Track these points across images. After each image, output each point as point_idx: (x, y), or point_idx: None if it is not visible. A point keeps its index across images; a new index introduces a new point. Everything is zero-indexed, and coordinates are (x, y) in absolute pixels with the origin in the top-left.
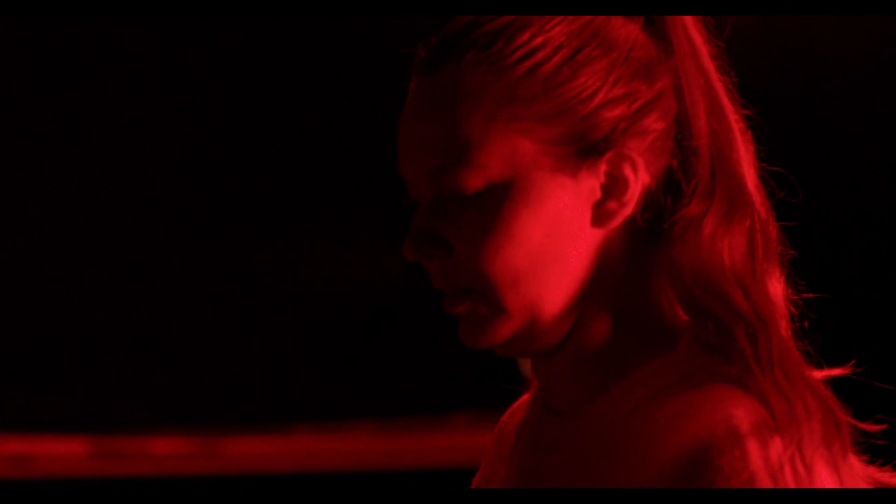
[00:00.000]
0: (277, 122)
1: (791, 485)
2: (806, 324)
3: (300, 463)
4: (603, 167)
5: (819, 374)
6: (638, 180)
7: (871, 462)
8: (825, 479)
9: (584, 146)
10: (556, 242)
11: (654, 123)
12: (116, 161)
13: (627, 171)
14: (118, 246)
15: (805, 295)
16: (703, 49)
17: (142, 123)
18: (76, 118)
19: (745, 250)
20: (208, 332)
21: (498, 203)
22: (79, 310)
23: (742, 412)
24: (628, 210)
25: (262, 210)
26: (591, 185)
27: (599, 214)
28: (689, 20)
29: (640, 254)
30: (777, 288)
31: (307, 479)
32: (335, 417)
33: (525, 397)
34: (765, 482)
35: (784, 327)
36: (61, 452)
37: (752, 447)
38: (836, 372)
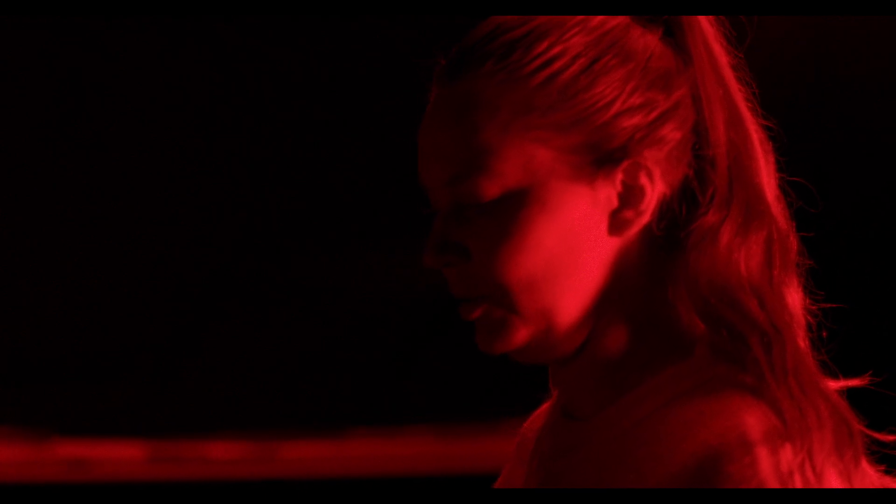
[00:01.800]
0: (325, 127)
1: None
2: (824, 334)
3: (356, 467)
4: (619, 176)
5: (835, 385)
6: (654, 189)
7: (887, 472)
8: (836, 487)
9: (601, 155)
10: (572, 250)
11: (672, 133)
12: (166, 169)
13: (643, 180)
14: (175, 252)
15: (823, 305)
16: (723, 59)
17: (188, 134)
18: (138, 127)
19: (762, 260)
20: (265, 337)
21: (514, 211)
22: (137, 313)
23: (753, 420)
24: (644, 219)
25: (311, 217)
26: (607, 193)
27: (615, 223)
28: (708, 31)
29: (656, 262)
30: (794, 298)
31: (362, 484)
32: (391, 422)
33: (547, 404)
34: None
35: (801, 337)
36: (118, 456)
37: (763, 455)
38: (853, 382)
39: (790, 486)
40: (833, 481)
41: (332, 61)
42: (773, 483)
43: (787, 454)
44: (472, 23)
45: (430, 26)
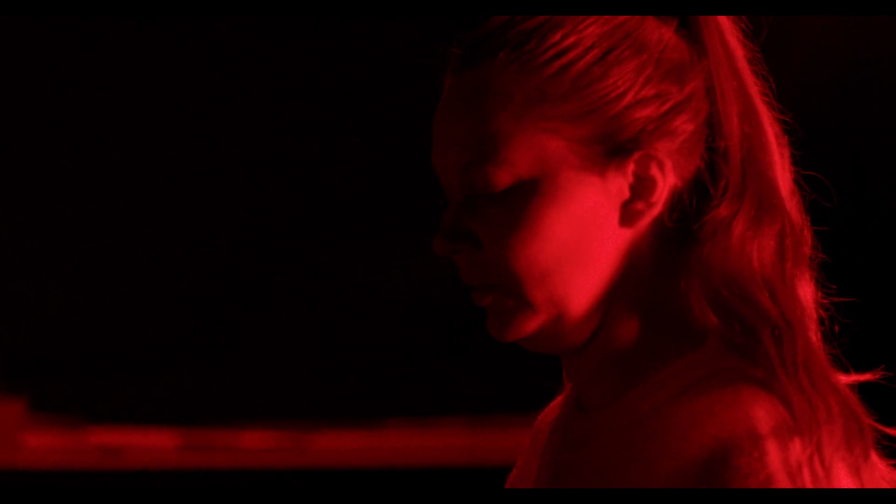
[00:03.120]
0: (325, 127)
1: (809, 486)
2: (836, 328)
3: (388, 458)
4: (631, 167)
5: (847, 379)
6: (666, 181)
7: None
8: (845, 482)
9: (613, 146)
10: (582, 240)
11: (684, 125)
12: (186, 168)
13: (655, 171)
14: (210, 245)
15: (835, 299)
16: (739, 52)
17: (224, 132)
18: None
19: (775, 253)
20: (298, 328)
21: (525, 200)
22: (169, 305)
23: (762, 413)
24: (656, 210)
25: (350, 212)
26: (619, 184)
27: (627, 214)
28: (724, 24)
29: (668, 254)
30: (806, 291)
31: (395, 475)
32: (424, 413)
33: (560, 396)
34: (783, 483)
35: (812, 331)
36: (151, 444)
37: (771, 448)
38: (864, 377)
39: (799, 480)
40: (842, 475)
41: (332, 61)
42: (781, 476)
43: (797, 448)
44: (473, 23)
45: (430, 26)
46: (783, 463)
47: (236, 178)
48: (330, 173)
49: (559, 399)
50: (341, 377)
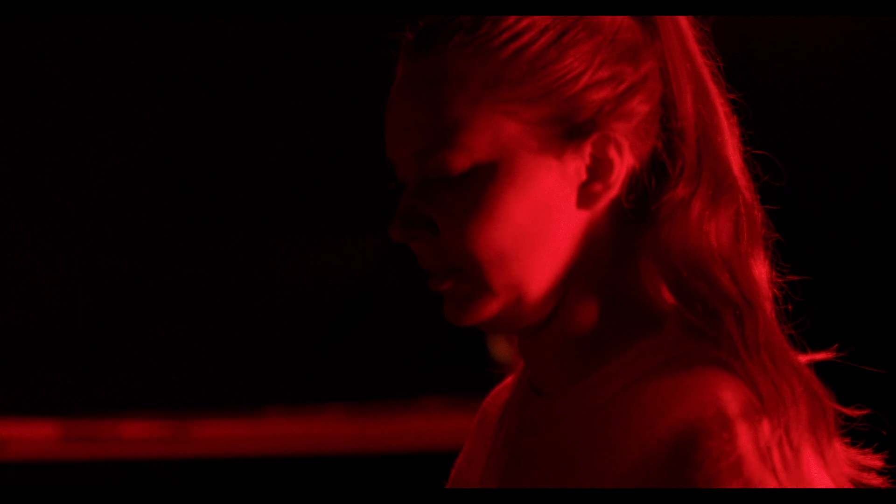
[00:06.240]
0: (258, 119)
1: (779, 468)
2: (790, 307)
3: (270, 446)
4: (588, 149)
5: (803, 358)
6: (623, 162)
7: (852, 445)
8: (811, 463)
9: (569, 128)
10: (540, 223)
11: (640, 106)
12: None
13: (612, 153)
14: (96, 234)
15: (789, 278)
16: (690, 33)
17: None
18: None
19: (732, 233)
20: (178, 317)
21: (483, 184)
22: (50, 295)
23: (730, 395)
24: (613, 192)
25: (238, 200)
26: (576, 166)
27: (584, 196)
28: None
29: (626, 236)
30: (762, 271)
31: (277, 463)
32: (305, 401)
33: (510, 378)
34: (753, 465)
35: (769, 310)
36: (32, 436)
37: (741, 430)
38: (819, 356)
39: (769, 462)
40: (809, 457)
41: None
42: (752, 458)
43: (765, 429)
44: None
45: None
46: (753, 445)
47: (111, 179)
48: (209, 175)
49: (507, 381)
50: (221, 366)
